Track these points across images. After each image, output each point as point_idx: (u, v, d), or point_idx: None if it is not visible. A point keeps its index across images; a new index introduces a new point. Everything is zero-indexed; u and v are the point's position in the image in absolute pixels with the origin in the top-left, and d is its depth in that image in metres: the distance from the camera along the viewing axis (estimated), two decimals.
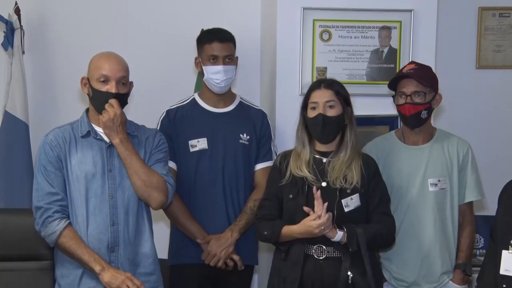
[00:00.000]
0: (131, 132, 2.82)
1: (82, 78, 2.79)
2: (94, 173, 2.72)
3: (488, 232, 2.78)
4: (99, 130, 2.77)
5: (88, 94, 2.78)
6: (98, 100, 2.74)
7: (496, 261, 2.50)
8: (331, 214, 2.67)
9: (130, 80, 2.82)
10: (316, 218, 2.65)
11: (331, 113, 2.81)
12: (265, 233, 2.82)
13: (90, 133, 2.76)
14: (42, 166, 2.72)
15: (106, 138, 2.76)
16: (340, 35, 3.50)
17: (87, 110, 2.84)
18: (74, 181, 2.71)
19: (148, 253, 2.81)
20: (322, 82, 2.89)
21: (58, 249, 2.73)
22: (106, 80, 2.72)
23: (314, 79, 3.41)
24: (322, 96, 2.83)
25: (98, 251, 2.69)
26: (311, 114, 2.83)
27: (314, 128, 2.83)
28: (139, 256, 2.77)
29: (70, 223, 2.69)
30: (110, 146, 2.75)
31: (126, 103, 2.82)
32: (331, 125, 2.81)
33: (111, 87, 2.72)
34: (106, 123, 2.68)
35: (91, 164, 2.72)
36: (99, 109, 2.75)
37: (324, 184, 2.79)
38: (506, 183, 2.64)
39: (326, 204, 2.67)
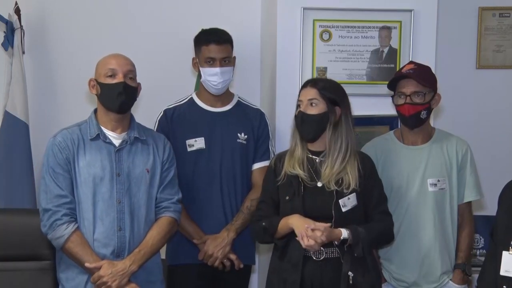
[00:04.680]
0: (139, 136, 2.81)
1: (90, 80, 2.78)
2: (102, 176, 2.70)
3: (488, 232, 2.78)
4: (109, 133, 2.76)
5: (96, 94, 2.77)
6: (107, 94, 2.72)
7: (496, 261, 2.50)
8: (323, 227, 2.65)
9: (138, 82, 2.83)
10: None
11: (311, 111, 2.80)
12: (264, 224, 2.80)
13: (99, 136, 2.74)
14: (51, 168, 2.70)
15: (115, 142, 2.76)
16: (340, 35, 3.50)
17: (95, 111, 2.83)
18: (82, 184, 2.70)
19: (153, 260, 2.81)
20: (310, 82, 2.89)
21: (63, 253, 2.71)
22: (113, 74, 2.72)
23: None
24: (306, 94, 2.83)
25: (103, 257, 2.68)
26: (296, 112, 2.85)
27: (297, 126, 2.84)
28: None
29: (78, 227, 2.68)
30: (119, 150, 2.75)
31: (135, 99, 2.82)
32: (310, 123, 2.80)
33: (118, 79, 2.72)
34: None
35: (99, 168, 2.71)
36: (109, 105, 2.74)
37: (319, 184, 2.79)
38: (506, 184, 2.63)
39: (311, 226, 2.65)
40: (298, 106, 2.86)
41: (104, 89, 2.73)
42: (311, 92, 2.82)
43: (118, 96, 2.72)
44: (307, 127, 2.81)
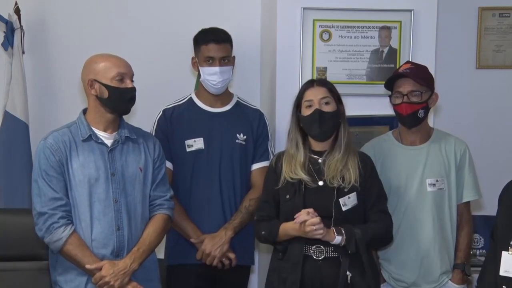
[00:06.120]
0: (130, 135, 2.81)
1: (89, 80, 2.73)
2: (97, 177, 2.69)
3: (488, 232, 2.78)
4: (100, 133, 2.75)
5: (96, 96, 2.73)
6: (118, 98, 2.71)
7: (496, 262, 2.49)
8: (320, 218, 2.66)
9: None
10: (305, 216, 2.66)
11: (327, 108, 2.81)
12: (263, 233, 2.82)
13: (91, 137, 2.73)
14: (44, 171, 2.67)
15: (107, 142, 2.75)
16: (340, 35, 3.50)
17: (84, 112, 2.81)
18: (77, 185, 2.68)
19: (150, 258, 2.81)
20: (315, 81, 2.91)
21: (62, 255, 2.70)
22: (122, 78, 2.72)
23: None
24: (316, 94, 2.83)
25: (103, 257, 2.68)
26: (307, 111, 2.83)
27: (311, 125, 2.82)
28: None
29: (75, 230, 2.67)
30: (112, 150, 2.74)
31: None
32: (328, 120, 2.80)
33: (128, 84, 2.73)
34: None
35: (93, 169, 2.70)
36: (118, 108, 2.74)
37: (321, 183, 2.79)
38: (507, 184, 2.62)
39: (312, 209, 2.67)
40: (301, 106, 2.85)
41: (115, 93, 2.70)
42: (322, 91, 2.84)
43: (129, 100, 2.75)
44: (326, 124, 2.81)
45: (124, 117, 2.86)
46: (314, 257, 2.73)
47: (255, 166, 3.23)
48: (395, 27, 3.50)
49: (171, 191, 2.93)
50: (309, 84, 2.90)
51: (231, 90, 3.39)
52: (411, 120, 2.97)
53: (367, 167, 2.84)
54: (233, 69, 3.25)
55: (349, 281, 2.68)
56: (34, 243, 2.84)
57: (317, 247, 2.73)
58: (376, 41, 3.51)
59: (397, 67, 3.45)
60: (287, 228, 2.75)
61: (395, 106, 3.00)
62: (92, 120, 2.77)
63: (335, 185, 2.76)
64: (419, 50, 3.49)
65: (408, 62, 3.11)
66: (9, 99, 3.75)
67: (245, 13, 3.93)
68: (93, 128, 2.75)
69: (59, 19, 3.92)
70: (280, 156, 2.92)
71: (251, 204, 3.11)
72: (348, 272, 2.68)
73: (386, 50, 3.52)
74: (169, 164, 3.11)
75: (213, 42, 3.15)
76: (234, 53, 3.27)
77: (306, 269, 2.72)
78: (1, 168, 3.71)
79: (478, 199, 3.12)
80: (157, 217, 2.83)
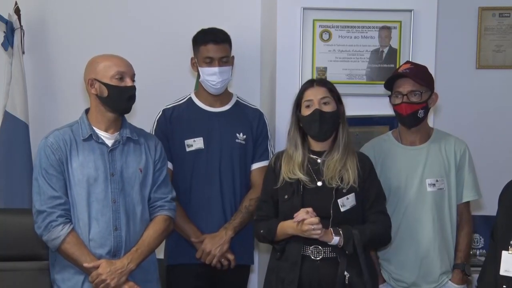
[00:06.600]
0: (131, 136, 2.81)
1: (89, 79, 2.75)
2: (96, 177, 2.70)
3: (488, 232, 2.78)
4: (101, 133, 2.76)
5: (96, 95, 2.74)
6: (117, 97, 2.72)
7: (496, 261, 2.49)
8: (319, 218, 2.66)
9: None
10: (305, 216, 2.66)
11: (327, 109, 2.81)
12: (261, 231, 2.83)
13: (91, 137, 2.74)
14: (44, 170, 2.69)
15: (107, 142, 2.75)
16: (340, 35, 3.50)
17: (86, 111, 2.82)
18: (76, 185, 2.69)
19: (149, 259, 2.81)
20: (314, 81, 2.91)
21: (59, 254, 2.71)
22: (122, 77, 2.72)
23: None
24: (316, 93, 2.83)
25: (100, 257, 2.68)
26: (307, 111, 2.83)
27: (311, 125, 2.82)
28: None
29: (73, 228, 2.68)
30: (112, 150, 2.75)
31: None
32: (328, 120, 2.80)
33: (127, 82, 2.73)
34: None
35: (93, 168, 2.70)
36: (117, 107, 2.74)
37: (319, 183, 2.79)
38: (507, 183, 2.62)
39: (311, 209, 2.67)
40: (301, 106, 2.85)
41: (114, 92, 2.71)
42: (322, 91, 2.84)
43: (128, 99, 2.75)
44: (326, 124, 2.81)
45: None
46: (312, 257, 2.73)
47: (255, 166, 3.23)
48: (395, 27, 3.50)
49: (173, 192, 2.92)
50: (309, 84, 2.90)
51: (230, 90, 3.39)
52: (411, 120, 2.97)
53: (366, 168, 2.84)
54: (232, 69, 3.25)
55: (346, 282, 2.68)
56: (34, 243, 2.85)
57: (315, 247, 2.73)
58: (376, 41, 3.51)
59: (397, 67, 3.45)
60: (285, 226, 2.75)
61: (395, 106, 3.00)
62: (93, 119, 2.78)
63: (334, 185, 2.76)
64: (419, 50, 3.49)
65: (408, 62, 3.11)
66: (9, 99, 3.75)
67: (245, 13, 3.93)
68: (94, 128, 2.76)
69: (59, 19, 3.92)
70: (279, 156, 2.92)
71: (251, 204, 3.11)
72: (346, 273, 2.69)
73: (386, 50, 3.52)
74: (169, 164, 3.10)
75: (212, 43, 3.15)
76: (234, 53, 3.27)
77: (304, 269, 2.72)
78: (1, 168, 3.71)
79: (478, 199, 3.12)
80: (158, 218, 2.83)
